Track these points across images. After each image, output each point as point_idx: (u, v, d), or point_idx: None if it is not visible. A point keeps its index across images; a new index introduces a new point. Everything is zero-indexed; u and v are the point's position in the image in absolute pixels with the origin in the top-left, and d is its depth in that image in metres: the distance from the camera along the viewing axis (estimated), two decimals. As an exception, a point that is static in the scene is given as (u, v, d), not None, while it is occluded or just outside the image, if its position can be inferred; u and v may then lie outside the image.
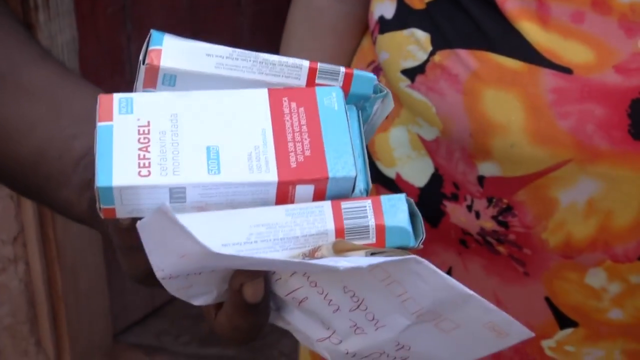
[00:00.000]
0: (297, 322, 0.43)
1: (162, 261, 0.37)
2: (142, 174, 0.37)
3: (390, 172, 0.75)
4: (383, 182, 0.76)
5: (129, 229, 0.38)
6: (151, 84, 0.41)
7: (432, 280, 0.37)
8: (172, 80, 0.40)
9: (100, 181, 0.36)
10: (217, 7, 1.66)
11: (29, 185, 0.56)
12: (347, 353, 0.42)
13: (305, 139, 0.39)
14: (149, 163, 0.37)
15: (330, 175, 0.38)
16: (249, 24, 1.73)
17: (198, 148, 0.38)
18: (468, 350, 0.43)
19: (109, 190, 0.36)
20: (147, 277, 0.42)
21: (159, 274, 0.38)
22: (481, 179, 0.68)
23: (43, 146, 0.53)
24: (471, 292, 0.37)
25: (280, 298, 0.41)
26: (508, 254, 0.68)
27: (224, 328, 0.43)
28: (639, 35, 0.61)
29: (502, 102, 0.63)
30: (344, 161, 0.38)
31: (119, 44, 1.56)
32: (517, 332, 0.39)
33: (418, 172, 0.72)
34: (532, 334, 0.39)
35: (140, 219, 0.35)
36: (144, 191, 0.37)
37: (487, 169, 0.67)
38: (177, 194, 0.37)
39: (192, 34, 0.44)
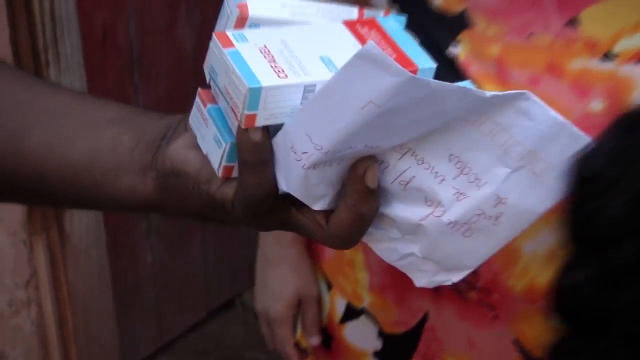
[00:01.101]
0: (397, 211, 0.48)
1: (324, 134, 0.43)
2: (280, 76, 0.43)
3: None
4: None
5: (262, 141, 0.44)
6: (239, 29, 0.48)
7: (539, 113, 0.45)
8: (257, 27, 0.48)
9: (251, 83, 0.42)
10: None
11: (84, 186, 0.59)
12: (449, 222, 0.48)
13: (387, 48, 0.47)
14: (282, 69, 0.44)
15: (420, 67, 0.47)
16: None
17: (314, 58, 0.45)
18: (554, 192, 0.48)
19: (258, 91, 0.42)
20: (269, 197, 0.47)
21: (308, 152, 0.43)
22: None
23: (92, 146, 0.57)
24: (565, 120, 0.45)
25: (384, 189, 0.48)
26: (478, 299, 0.73)
27: (344, 224, 0.47)
28: (589, 97, 0.66)
29: None
30: (423, 58, 0.47)
31: (127, 95, 1.67)
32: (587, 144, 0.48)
33: None
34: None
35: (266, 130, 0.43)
36: (285, 91, 0.43)
37: None
38: (309, 92, 0.44)
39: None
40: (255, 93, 0.42)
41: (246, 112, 0.43)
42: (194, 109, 0.51)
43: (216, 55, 0.45)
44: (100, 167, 0.58)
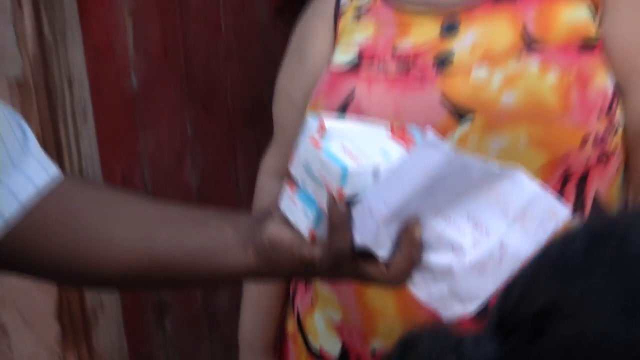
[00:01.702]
0: (432, 257, 0.65)
1: (394, 199, 0.62)
2: (358, 162, 0.63)
3: (316, 345, 1.06)
4: (311, 353, 1.06)
5: (346, 209, 0.62)
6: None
7: (527, 185, 0.64)
8: (331, 136, 0.70)
9: (342, 167, 0.62)
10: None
11: (201, 268, 0.78)
12: (470, 264, 0.64)
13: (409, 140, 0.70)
14: (357, 158, 0.64)
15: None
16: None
17: (375, 151, 0.66)
18: (537, 242, 0.65)
19: (346, 171, 0.62)
20: (350, 251, 0.64)
21: (382, 213, 0.62)
22: (374, 352, 0.96)
23: (204, 237, 0.77)
24: (545, 191, 0.65)
25: (424, 241, 0.65)
26: None
27: (400, 267, 0.64)
28: None
29: (380, 295, 0.93)
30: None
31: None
32: (564, 213, 0.66)
33: (332, 346, 1.03)
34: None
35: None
36: (361, 172, 0.63)
37: (377, 343, 0.95)
38: (375, 173, 0.63)
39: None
40: (345, 173, 0.62)
41: (338, 187, 0.62)
42: (284, 197, 0.70)
43: (311, 153, 0.66)
44: (212, 252, 0.75)
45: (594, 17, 1.01)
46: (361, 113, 0.99)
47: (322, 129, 0.68)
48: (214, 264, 0.76)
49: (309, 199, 0.68)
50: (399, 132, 0.72)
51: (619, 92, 1.01)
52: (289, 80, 1.18)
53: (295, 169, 0.70)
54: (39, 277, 0.94)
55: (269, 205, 0.84)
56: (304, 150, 0.68)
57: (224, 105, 2.03)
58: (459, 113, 0.98)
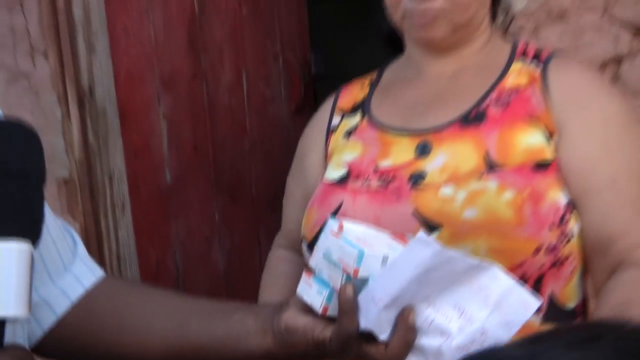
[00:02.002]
0: (424, 341, 0.74)
1: (393, 287, 0.71)
2: (371, 250, 0.76)
3: None
4: None
5: (354, 296, 0.75)
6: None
7: (502, 279, 0.74)
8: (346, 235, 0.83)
9: (359, 250, 0.74)
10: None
11: (227, 352, 0.89)
12: (457, 347, 0.72)
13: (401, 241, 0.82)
14: (370, 247, 0.78)
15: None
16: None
17: (383, 245, 0.79)
18: (513, 328, 0.74)
19: (362, 254, 0.74)
20: (356, 333, 0.74)
21: (383, 300, 0.72)
22: None
23: (229, 326, 0.88)
24: (517, 284, 0.74)
25: (417, 326, 0.74)
26: None
27: (396, 348, 0.74)
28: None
29: None
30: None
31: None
32: (534, 304, 0.75)
33: None
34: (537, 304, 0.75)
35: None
36: (373, 257, 0.76)
37: None
38: (385, 261, 0.75)
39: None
40: (361, 255, 0.75)
41: (355, 267, 0.75)
42: (302, 283, 0.83)
43: (332, 242, 0.79)
44: (236, 338, 0.87)
45: (548, 141, 1.09)
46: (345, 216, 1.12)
47: (340, 227, 0.84)
48: (237, 348, 0.87)
49: (322, 282, 0.83)
50: (399, 236, 0.87)
51: (573, 205, 1.08)
52: (293, 184, 1.33)
53: (314, 260, 0.85)
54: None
55: (286, 297, 0.96)
56: (323, 243, 0.82)
57: (248, 195, 2.23)
58: (429, 225, 1.04)
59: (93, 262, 1.02)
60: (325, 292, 0.81)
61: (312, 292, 0.83)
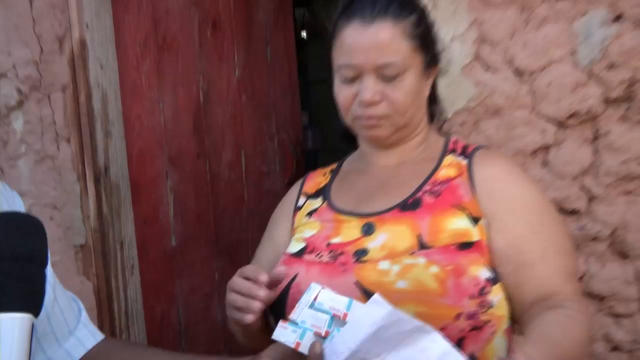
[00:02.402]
0: None
1: (352, 342, 0.81)
2: (340, 315, 0.92)
3: None
4: None
5: (321, 353, 0.86)
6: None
7: (439, 341, 0.83)
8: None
9: (352, 299, 0.90)
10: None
11: None
12: None
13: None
14: (339, 311, 0.93)
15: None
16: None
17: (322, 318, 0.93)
18: None
19: (351, 302, 0.90)
20: None
21: (344, 354, 0.82)
22: None
23: None
24: (453, 348, 0.83)
25: None
26: None
27: None
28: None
29: None
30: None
31: (177, 356, 2.19)
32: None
33: None
34: None
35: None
36: (359, 305, 0.90)
37: None
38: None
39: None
40: (350, 302, 0.89)
41: (345, 311, 0.90)
42: (278, 328, 0.95)
43: (324, 294, 0.94)
44: None
45: (474, 226, 1.18)
46: (300, 289, 1.14)
47: (323, 288, 1.00)
48: None
49: (296, 325, 0.97)
50: (362, 299, 1.01)
51: (495, 280, 1.16)
52: (261, 251, 1.43)
53: (295, 313, 0.98)
54: None
55: (263, 354, 1.07)
56: (307, 299, 0.98)
57: (245, 257, 2.33)
58: (367, 294, 1.09)
59: (94, 326, 1.13)
60: (299, 331, 0.94)
61: (287, 332, 0.96)
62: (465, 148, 1.30)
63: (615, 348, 1.64)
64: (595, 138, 1.62)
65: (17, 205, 1.09)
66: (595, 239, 1.65)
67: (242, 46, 2.48)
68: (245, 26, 2.51)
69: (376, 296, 0.88)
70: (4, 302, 0.81)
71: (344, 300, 0.92)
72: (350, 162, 1.41)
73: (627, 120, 1.59)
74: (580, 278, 1.64)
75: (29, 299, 0.84)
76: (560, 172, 1.65)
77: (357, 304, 0.95)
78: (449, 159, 1.28)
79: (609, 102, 1.59)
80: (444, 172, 1.25)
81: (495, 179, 1.23)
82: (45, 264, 0.88)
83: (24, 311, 0.82)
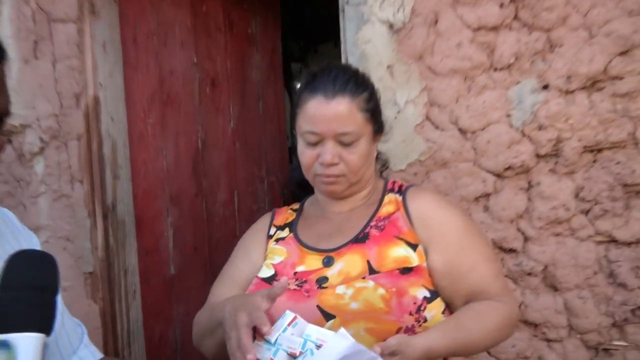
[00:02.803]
0: None
1: None
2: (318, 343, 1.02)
3: None
4: None
5: None
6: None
7: None
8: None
9: (304, 346, 1.01)
10: None
11: None
12: None
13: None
14: (321, 341, 1.02)
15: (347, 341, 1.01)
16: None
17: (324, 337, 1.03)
18: None
19: (277, 350, 1.03)
20: None
21: None
22: None
23: None
24: None
25: None
26: None
27: None
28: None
29: None
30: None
31: (173, 372, 2.27)
32: None
33: None
34: None
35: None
36: (344, 335, 1.02)
37: None
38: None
39: None
40: (305, 342, 0.99)
41: (301, 350, 1.00)
42: (256, 344, 1.02)
43: (310, 327, 1.03)
44: None
45: (413, 252, 1.28)
46: (271, 312, 1.15)
47: (295, 317, 1.08)
48: None
49: (270, 343, 1.06)
50: (322, 320, 1.12)
51: (431, 299, 1.23)
52: (233, 267, 1.44)
53: (273, 335, 1.06)
54: None
55: None
56: (282, 323, 1.06)
57: None
58: (327, 315, 1.20)
59: (95, 348, 1.21)
60: (273, 349, 1.05)
61: (262, 350, 1.06)
62: (400, 187, 1.40)
63: None
64: (529, 187, 1.72)
65: (34, 243, 1.17)
66: (529, 274, 1.73)
67: (237, 101, 2.56)
68: (240, 83, 2.59)
69: (342, 330, 0.99)
70: (23, 324, 0.88)
71: (329, 334, 1.02)
72: (309, 205, 1.50)
73: (555, 172, 1.69)
74: (519, 306, 1.72)
75: (42, 322, 0.91)
76: (499, 216, 1.73)
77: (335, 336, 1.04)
78: (389, 196, 1.38)
79: (539, 157, 1.69)
80: (385, 209, 1.35)
81: (426, 210, 1.33)
82: (56, 294, 0.95)
83: (39, 331, 0.89)
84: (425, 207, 1.33)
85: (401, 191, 1.38)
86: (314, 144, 1.32)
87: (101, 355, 1.20)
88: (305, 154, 1.34)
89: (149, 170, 2.22)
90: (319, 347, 1.01)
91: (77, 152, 2.01)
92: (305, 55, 4.13)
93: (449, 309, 1.29)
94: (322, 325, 1.16)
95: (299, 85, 1.43)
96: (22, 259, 0.94)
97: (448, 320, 1.24)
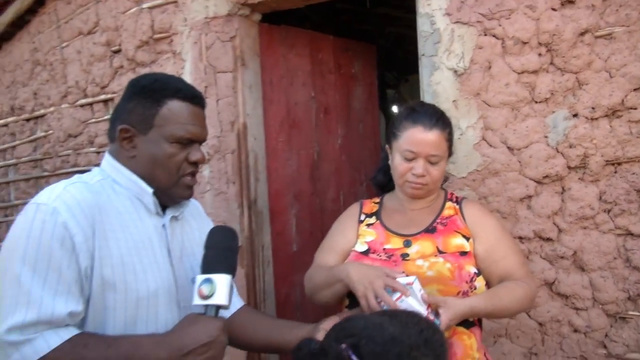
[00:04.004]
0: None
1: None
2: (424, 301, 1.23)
3: None
4: None
5: None
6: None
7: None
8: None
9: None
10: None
11: (289, 345, 1.13)
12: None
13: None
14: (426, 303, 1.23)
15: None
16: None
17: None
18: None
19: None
20: None
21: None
22: None
23: (295, 332, 1.20)
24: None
25: None
26: None
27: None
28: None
29: None
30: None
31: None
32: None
33: None
34: None
35: None
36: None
37: None
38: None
39: None
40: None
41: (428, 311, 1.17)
42: (391, 294, 1.17)
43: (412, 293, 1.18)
44: (296, 337, 1.14)
45: (467, 242, 1.40)
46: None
47: (409, 284, 1.19)
48: (293, 342, 1.05)
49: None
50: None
51: (479, 273, 1.37)
52: (332, 241, 1.55)
53: (401, 302, 1.18)
54: (240, 348, 1.38)
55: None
56: (417, 292, 1.18)
57: None
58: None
59: (240, 298, 1.38)
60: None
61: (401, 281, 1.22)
62: (457, 197, 1.54)
63: (575, 330, 1.83)
64: (562, 191, 1.82)
65: (210, 224, 1.36)
66: (562, 257, 1.83)
67: (343, 124, 2.77)
68: (346, 111, 2.80)
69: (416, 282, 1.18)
70: (219, 268, 1.08)
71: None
72: (388, 199, 1.60)
73: (583, 180, 1.79)
74: (552, 283, 1.83)
75: (230, 268, 1.10)
76: (538, 213, 1.84)
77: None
78: (449, 204, 1.52)
79: (570, 168, 1.80)
80: (447, 212, 1.50)
81: (475, 215, 1.48)
82: (237, 252, 1.16)
83: (228, 274, 1.10)
84: (475, 213, 1.48)
85: (457, 201, 1.53)
86: (410, 160, 1.43)
87: (243, 303, 1.40)
88: (402, 165, 1.45)
89: (279, 176, 2.47)
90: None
91: (231, 162, 2.27)
92: (398, 84, 4.27)
93: (487, 286, 1.44)
94: None
95: (398, 114, 1.53)
96: (218, 230, 1.18)
97: (487, 291, 1.39)
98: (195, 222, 1.33)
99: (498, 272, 1.40)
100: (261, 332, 1.29)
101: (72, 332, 1.01)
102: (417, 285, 1.20)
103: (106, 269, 1.06)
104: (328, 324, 1.16)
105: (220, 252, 1.11)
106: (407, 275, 1.28)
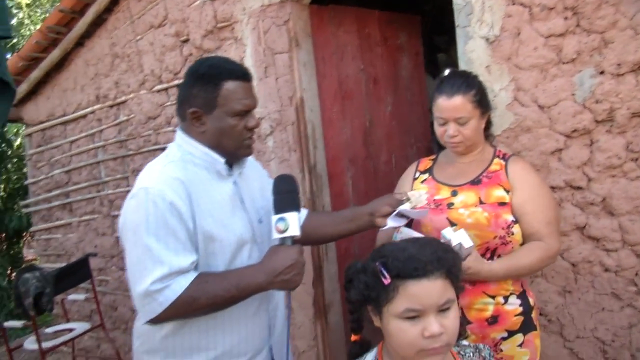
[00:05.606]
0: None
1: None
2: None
3: None
4: None
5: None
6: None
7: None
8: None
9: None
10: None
11: (351, 232, 1.54)
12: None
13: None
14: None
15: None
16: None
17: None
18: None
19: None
20: None
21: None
22: None
23: (351, 224, 1.51)
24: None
25: None
26: None
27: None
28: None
29: None
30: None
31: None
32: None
33: None
34: None
35: None
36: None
37: None
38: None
39: None
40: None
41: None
42: (391, 219, 1.42)
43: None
44: (357, 227, 1.53)
45: (507, 194, 1.50)
46: (419, 221, 1.53)
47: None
48: (357, 230, 1.47)
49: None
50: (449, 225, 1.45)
51: (515, 221, 1.48)
52: (400, 185, 1.73)
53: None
54: (313, 245, 1.72)
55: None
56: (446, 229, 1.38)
57: None
58: (452, 223, 1.47)
59: (305, 209, 1.62)
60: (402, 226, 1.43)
61: (396, 221, 1.43)
62: (504, 154, 1.67)
63: (606, 270, 1.95)
64: (591, 144, 1.93)
65: (263, 170, 1.61)
66: (592, 203, 1.95)
67: (392, 92, 2.91)
68: (394, 80, 2.93)
69: (462, 230, 1.35)
70: (288, 208, 1.27)
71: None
72: (443, 155, 1.73)
73: (610, 132, 1.90)
74: (583, 227, 1.96)
75: (296, 206, 1.29)
76: (568, 164, 1.96)
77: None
78: (496, 160, 1.65)
79: (597, 122, 1.90)
80: (493, 167, 1.62)
81: (518, 172, 1.59)
82: (299, 192, 1.34)
83: (296, 211, 1.28)
84: (517, 169, 1.59)
85: (505, 158, 1.65)
86: (443, 124, 1.59)
87: (308, 211, 1.63)
88: (438, 129, 1.62)
89: (335, 143, 2.67)
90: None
91: (291, 132, 2.49)
92: (449, 47, 4.32)
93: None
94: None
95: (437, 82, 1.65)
96: (281, 179, 1.40)
97: (507, 256, 1.50)
98: (252, 173, 1.57)
99: (524, 226, 1.53)
100: (330, 229, 1.56)
101: (194, 274, 1.29)
102: (463, 233, 1.38)
103: (205, 226, 1.32)
104: (376, 207, 1.46)
105: (286, 196, 1.33)
106: (453, 224, 1.48)
